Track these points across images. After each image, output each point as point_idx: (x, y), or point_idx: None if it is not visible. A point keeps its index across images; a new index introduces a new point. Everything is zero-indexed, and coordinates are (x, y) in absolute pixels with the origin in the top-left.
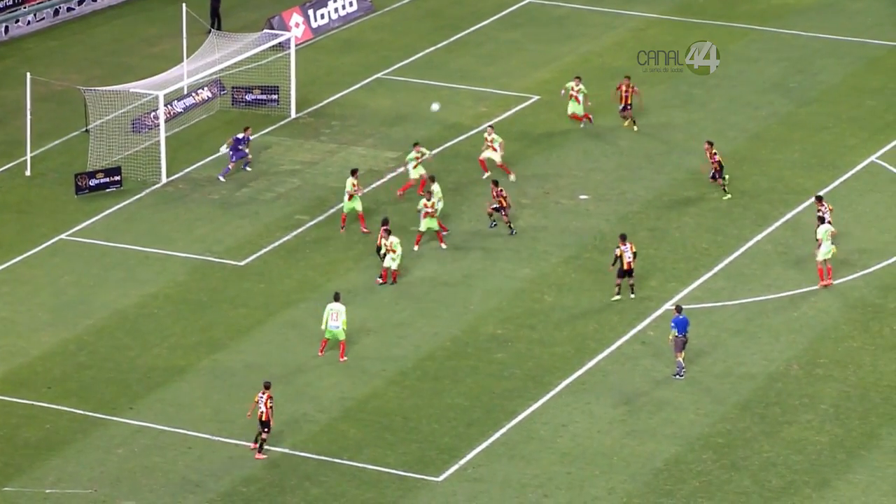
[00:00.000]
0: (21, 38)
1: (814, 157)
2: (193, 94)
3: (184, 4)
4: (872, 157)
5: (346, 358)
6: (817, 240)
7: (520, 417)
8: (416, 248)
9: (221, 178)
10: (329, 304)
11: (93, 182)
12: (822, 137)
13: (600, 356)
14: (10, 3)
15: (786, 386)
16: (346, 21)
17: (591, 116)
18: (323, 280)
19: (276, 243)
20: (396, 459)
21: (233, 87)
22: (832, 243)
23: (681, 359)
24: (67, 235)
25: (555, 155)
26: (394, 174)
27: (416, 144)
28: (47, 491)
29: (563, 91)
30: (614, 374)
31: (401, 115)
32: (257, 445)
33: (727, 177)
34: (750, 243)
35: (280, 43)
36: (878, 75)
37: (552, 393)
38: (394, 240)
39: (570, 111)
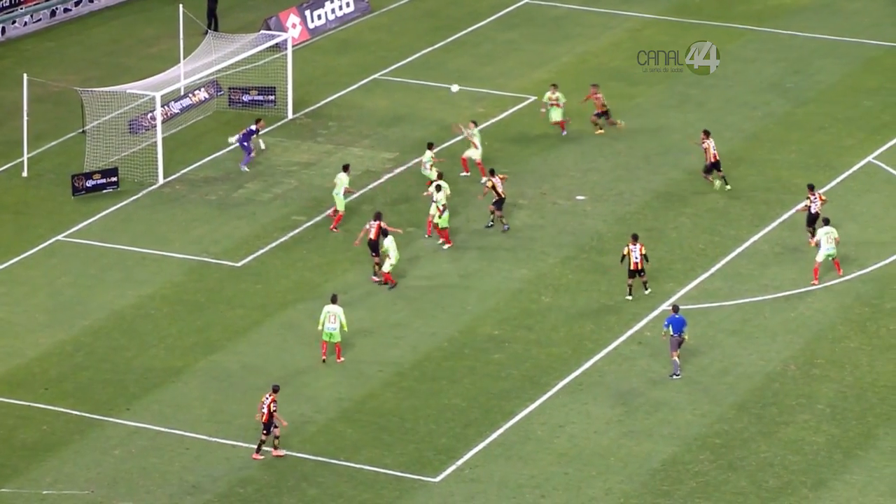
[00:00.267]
0: (18, 38)
1: (811, 157)
2: (190, 95)
3: (181, 5)
4: (869, 158)
5: (343, 359)
6: (813, 235)
7: (517, 418)
8: (446, 245)
9: (245, 168)
10: (326, 305)
11: (90, 183)
12: (819, 138)
13: (597, 357)
14: (7, 3)
15: (783, 386)
16: (343, 22)
17: (564, 124)
18: (320, 281)
19: (273, 244)
20: (394, 460)
21: (230, 88)
22: (834, 248)
23: (676, 358)
24: (64, 236)
25: (552, 155)
26: (390, 175)
27: (430, 145)
28: (44, 492)
29: (542, 109)
30: (611, 375)
31: (398, 116)
32: (256, 448)
33: (722, 177)
34: (747, 244)
35: (277, 44)
36: (875, 75)
37: (549, 393)
38: (390, 244)
39: (552, 119)
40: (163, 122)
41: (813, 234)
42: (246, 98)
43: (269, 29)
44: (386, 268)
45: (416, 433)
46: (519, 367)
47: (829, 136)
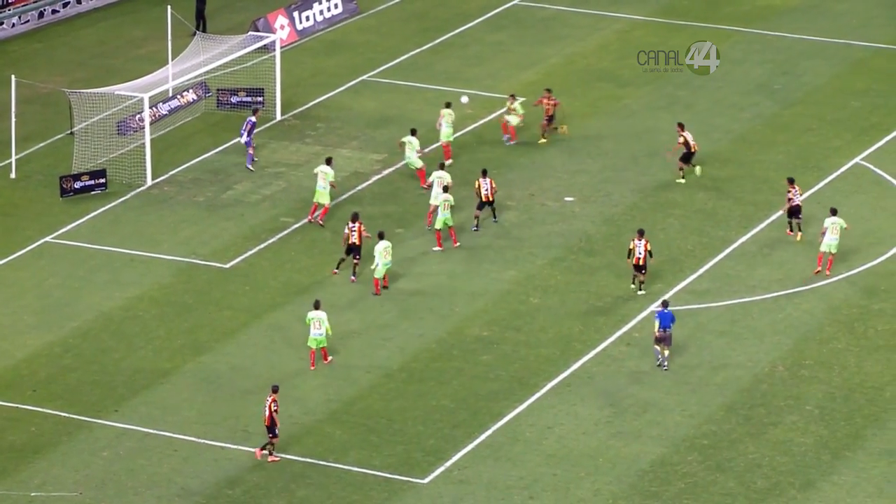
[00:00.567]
0: (5, 40)
1: (798, 158)
2: (178, 97)
3: (169, 7)
4: (857, 159)
5: (330, 358)
6: (791, 227)
7: (505, 419)
8: (456, 244)
9: (250, 167)
10: (309, 312)
11: (78, 184)
12: (806, 139)
13: (586, 358)
14: None
15: (771, 387)
16: (331, 23)
17: (514, 135)
18: (308, 282)
19: (262, 245)
20: (382, 461)
21: (218, 90)
22: (836, 241)
23: (658, 348)
24: (52, 238)
25: (540, 157)
26: (379, 176)
27: (413, 131)
28: (32, 494)
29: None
30: (600, 376)
31: (386, 117)
32: (269, 450)
33: (696, 168)
34: (735, 245)
35: (265, 45)
36: (862, 77)
37: (538, 395)
38: (388, 245)
39: (512, 123)
40: (151, 124)
41: (799, 227)
42: (234, 99)
43: (258, 30)
44: (379, 272)
45: (405, 434)
46: (507, 369)
47: (816, 138)
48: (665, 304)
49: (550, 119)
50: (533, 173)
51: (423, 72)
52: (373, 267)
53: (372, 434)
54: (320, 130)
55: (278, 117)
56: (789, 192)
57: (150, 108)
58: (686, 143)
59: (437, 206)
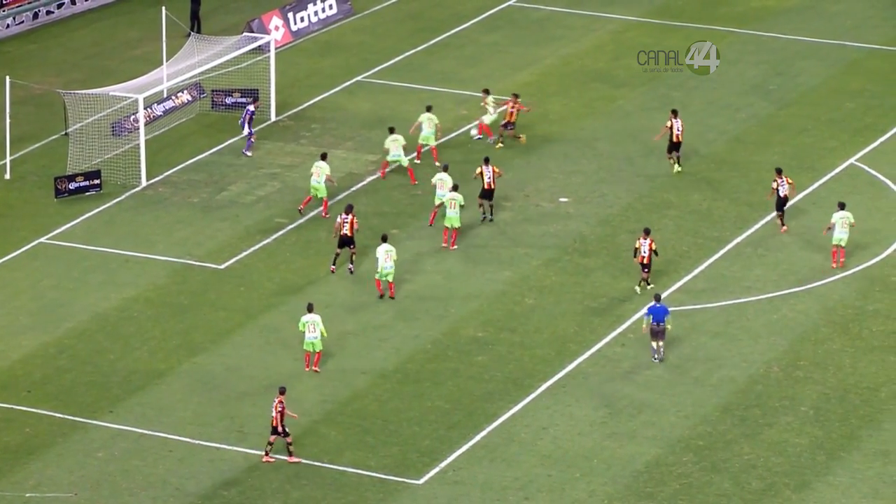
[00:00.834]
0: (0, 41)
1: (793, 159)
2: (173, 98)
3: (163, 8)
4: (852, 160)
5: (318, 369)
6: (782, 220)
7: (500, 420)
8: (453, 247)
9: (248, 153)
10: (304, 316)
11: (72, 185)
12: (801, 139)
13: (581, 358)
14: None
15: (766, 388)
16: (325, 24)
17: (490, 132)
18: (303, 283)
19: (257, 246)
20: (377, 462)
21: (213, 91)
22: (846, 235)
23: (654, 344)
24: (47, 239)
25: (534, 157)
26: (374, 177)
27: (391, 129)
28: (27, 495)
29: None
30: (595, 377)
31: (381, 118)
32: (286, 452)
33: (679, 159)
34: (730, 245)
35: (260, 46)
36: (857, 77)
37: (533, 395)
38: (390, 249)
39: (486, 122)
40: (146, 125)
41: (782, 220)
42: (229, 100)
43: (252, 31)
44: (381, 275)
45: (400, 435)
46: (502, 369)
47: (811, 138)
48: (657, 297)
49: (509, 125)
50: (528, 174)
51: (418, 73)
52: (378, 269)
53: (367, 435)
54: (315, 131)
55: (273, 118)
56: (775, 181)
57: (145, 108)
58: (670, 131)
59: (441, 204)
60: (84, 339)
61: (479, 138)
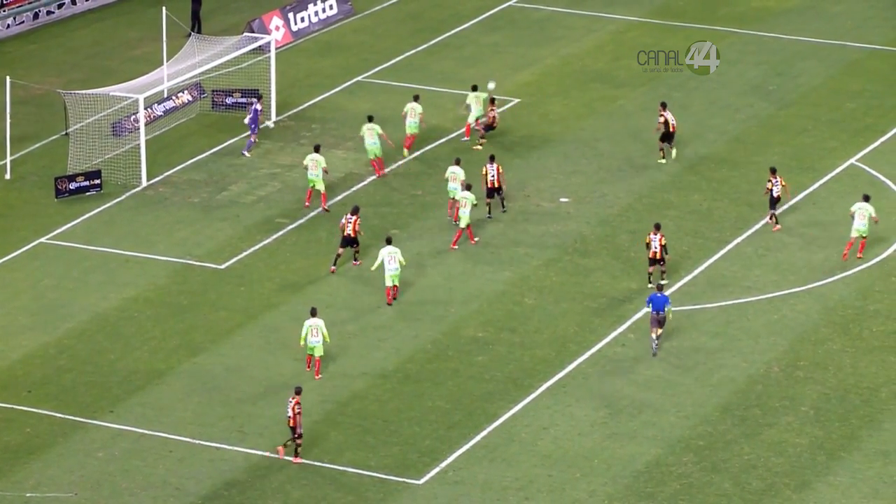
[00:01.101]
0: (0, 41)
1: (794, 159)
2: (174, 98)
3: (164, 8)
4: (852, 160)
5: (320, 376)
6: (773, 218)
7: (501, 420)
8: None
9: (247, 153)
10: (307, 320)
11: (73, 185)
12: (801, 140)
13: (581, 359)
14: None
15: (766, 388)
16: (326, 24)
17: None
18: (304, 283)
19: (257, 246)
20: (377, 462)
21: (213, 91)
22: (865, 226)
23: (654, 335)
24: (47, 239)
25: (535, 158)
26: (374, 177)
27: (370, 118)
28: (27, 495)
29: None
30: (595, 377)
31: (381, 119)
32: (293, 452)
33: (672, 151)
34: (730, 246)
35: (260, 46)
36: (857, 78)
37: (533, 395)
38: (394, 251)
39: (469, 121)
40: (146, 125)
41: (773, 218)
42: (229, 101)
43: (253, 31)
44: (391, 282)
45: (400, 435)
46: (503, 370)
47: (811, 139)
48: (659, 287)
49: (489, 128)
50: (528, 174)
51: (419, 73)
52: (373, 267)
53: (367, 435)
54: (315, 131)
55: (273, 118)
56: (769, 181)
57: (145, 109)
58: (665, 123)
59: (457, 200)
60: (84, 340)
61: (465, 140)
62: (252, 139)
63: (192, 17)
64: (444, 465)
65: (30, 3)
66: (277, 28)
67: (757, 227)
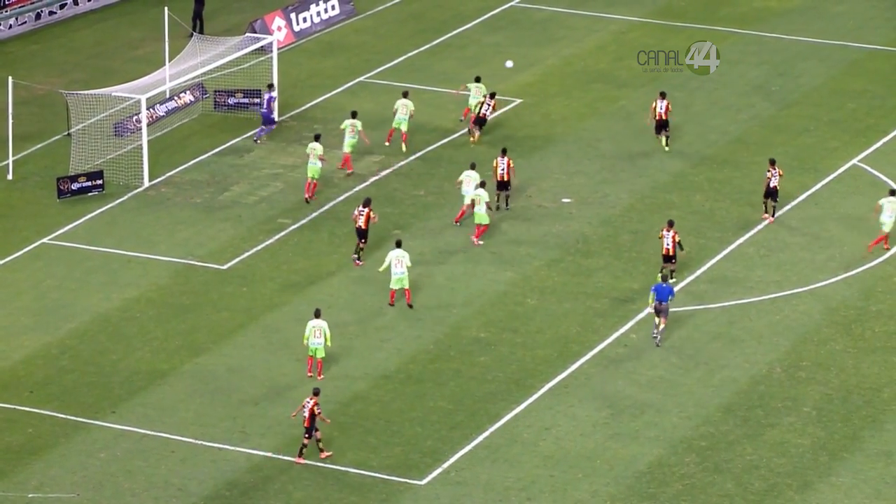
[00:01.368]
0: (2, 41)
1: (795, 159)
2: (176, 98)
3: (166, 8)
4: (854, 160)
5: (323, 377)
6: (766, 207)
7: (503, 420)
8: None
9: (257, 140)
10: (310, 321)
11: (75, 186)
12: (803, 140)
13: (583, 359)
14: None
15: (768, 389)
16: (328, 24)
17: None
18: (306, 283)
19: (259, 246)
20: (379, 463)
21: (215, 91)
22: (892, 217)
23: (657, 322)
24: (49, 239)
25: (537, 158)
26: (376, 177)
27: (353, 114)
28: (30, 496)
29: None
30: (597, 377)
31: (383, 119)
32: (299, 452)
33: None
34: (732, 246)
35: (262, 46)
36: (859, 78)
37: (535, 396)
38: (402, 255)
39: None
40: (148, 125)
41: (769, 209)
42: (231, 101)
43: (255, 32)
44: (398, 284)
45: (402, 436)
46: (505, 370)
47: (813, 139)
48: (664, 277)
49: (480, 122)
50: (530, 174)
51: (421, 73)
52: (381, 269)
53: (369, 435)
54: (317, 132)
55: (275, 119)
56: (768, 172)
57: (148, 109)
58: (654, 111)
59: (471, 203)
60: (86, 340)
61: (462, 120)
62: (263, 128)
63: (194, 17)
64: (446, 465)
65: (32, 3)
66: (279, 28)
67: (759, 227)
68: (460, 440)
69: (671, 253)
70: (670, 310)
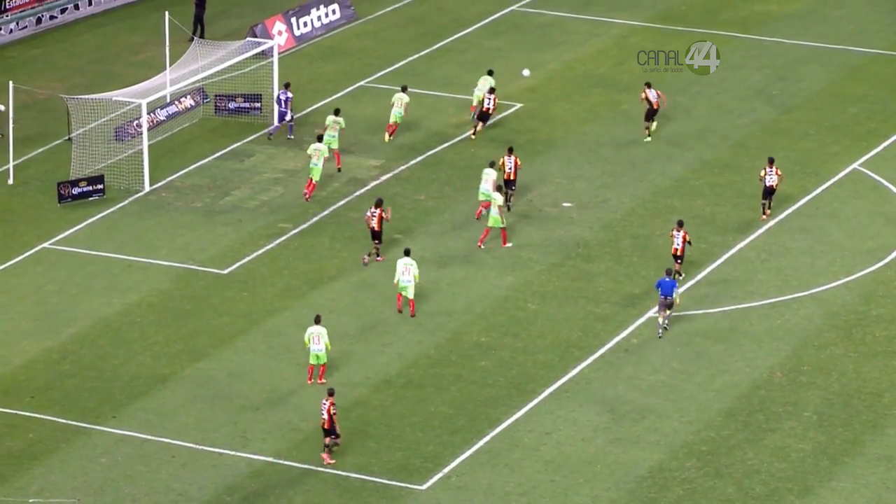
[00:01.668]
0: (3, 46)
1: (796, 164)
2: (176, 103)
3: (167, 13)
4: (855, 165)
5: (324, 380)
6: (764, 208)
7: (504, 425)
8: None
9: (269, 135)
10: (310, 327)
11: (76, 190)
12: (804, 145)
13: (584, 364)
14: None
15: (769, 393)
16: (328, 29)
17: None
18: (306, 288)
19: (260, 251)
20: (380, 467)
21: (216, 96)
22: None
23: (660, 318)
24: (50, 244)
25: (538, 162)
26: (377, 182)
27: (336, 111)
28: (30, 501)
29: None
30: (598, 382)
31: (384, 123)
32: (328, 451)
33: (654, 125)
34: (733, 250)
35: (263, 51)
36: (860, 82)
37: (536, 401)
38: (410, 263)
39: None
40: (149, 130)
41: (765, 208)
42: (232, 105)
43: (256, 36)
44: (408, 292)
45: (403, 440)
46: (506, 375)
47: (814, 143)
48: (669, 272)
49: (484, 117)
50: (531, 179)
51: (421, 77)
52: (395, 281)
53: (370, 440)
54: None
55: (276, 123)
56: (764, 170)
57: (148, 113)
58: (647, 100)
59: (488, 205)
60: (87, 345)
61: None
62: (291, 123)
63: (194, 21)
64: (447, 470)
65: (33, 7)
66: (280, 33)
67: (760, 231)
68: (461, 445)
69: (680, 252)
70: (675, 303)
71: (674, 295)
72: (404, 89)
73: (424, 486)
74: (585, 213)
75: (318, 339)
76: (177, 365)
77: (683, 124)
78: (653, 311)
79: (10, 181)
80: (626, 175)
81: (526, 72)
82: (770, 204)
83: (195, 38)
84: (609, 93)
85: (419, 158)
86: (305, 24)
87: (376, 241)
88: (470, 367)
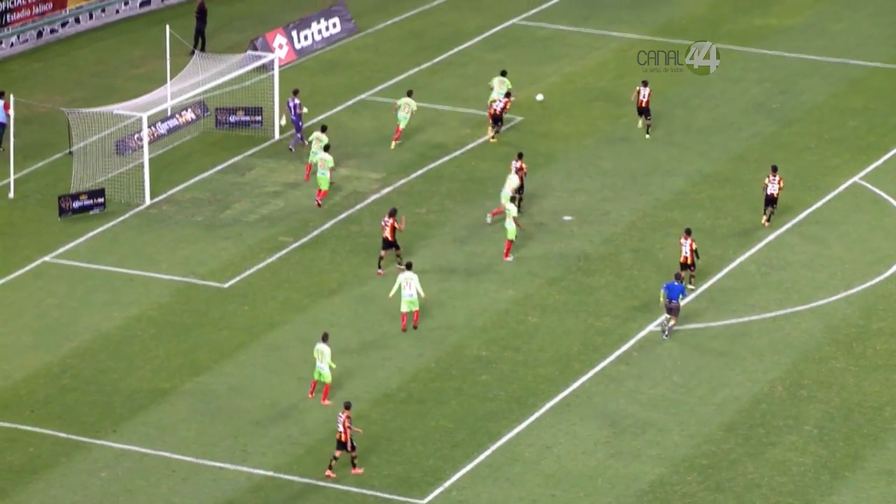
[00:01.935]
0: (4, 59)
1: (797, 177)
2: (177, 116)
3: (167, 26)
4: (855, 178)
5: (328, 402)
6: (766, 216)
7: (504, 439)
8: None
9: (292, 149)
10: (317, 344)
11: (76, 204)
12: (804, 158)
13: (584, 377)
14: None
15: (770, 407)
16: (329, 42)
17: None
18: (307, 302)
19: (260, 265)
20: (381, 481)
21: (216, 109)
22: None
23: (665, 319)
24: (51, 258)
25: (538, 176)
26: (377, 195)
27: (323, 128)
28: None
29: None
30: (599, 396)
31: (384, 137)
32: (351, 463)
33: (650, 120)
34: (733, 264)
35: (264, 64)
36: (860, 96)
37: (536, 414)
38: (411, 277)
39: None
40: (149, 143)
41: (766, 215)
42: (233, 119)
43: (256, 49)
44: (407, 308)
45: (404, 454)
46: (506, 388)
47: (814, 157)
48: (677, 276)
49: (497, 120)
50: (531, 192)
51: (422, 91)
52: (390, 295)
53: (371, 454)
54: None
55: (276, 137)
56: (767, 178)
57: (149, 127)
58: (637, 95)
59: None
60: (87, 359)
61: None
62: (298, 136)
63: (195, 35)
64: (447, 484)
65: (34, 21)
66: (281, 46)
67: (760, 245)
68: (461, 459)
69: (689, 261)
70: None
71: (679, 299)
72: (410, 94)
73: (425, 501)
74: (586, 227)
75: (321, 357)
76: (177, 379)
77: (684, 137)
78: (653, 325)
79: (11, 195)
80: (627, 188)
81: (540, 97)
82: (772, 212)
83: (196, 51)
84: (609, 106)
85: (420, 172)
86: (306, 38)
87: (396, 250)
88: (470, 380)
